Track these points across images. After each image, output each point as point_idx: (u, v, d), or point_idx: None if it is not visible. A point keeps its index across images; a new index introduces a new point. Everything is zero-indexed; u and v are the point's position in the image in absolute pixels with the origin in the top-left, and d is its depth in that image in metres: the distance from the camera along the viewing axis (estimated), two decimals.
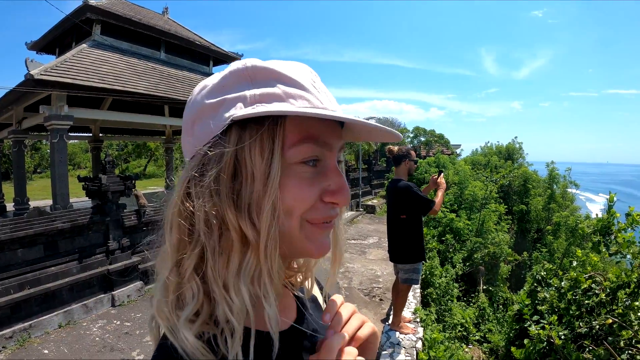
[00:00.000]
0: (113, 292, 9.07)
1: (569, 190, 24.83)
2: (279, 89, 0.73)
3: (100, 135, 20.55)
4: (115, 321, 8.31)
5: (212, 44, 18.70)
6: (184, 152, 0.81)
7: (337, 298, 0.89)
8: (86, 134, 20.91)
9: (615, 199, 6.62)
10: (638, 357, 4.95)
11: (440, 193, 5.85)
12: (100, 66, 11.97)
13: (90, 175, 13.73)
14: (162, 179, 36.31)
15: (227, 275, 0.72)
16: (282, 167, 0.73)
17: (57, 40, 15.77)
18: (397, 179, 5.78)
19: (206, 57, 18.53)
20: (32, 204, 16.07)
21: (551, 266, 7.73)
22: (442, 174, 6.12)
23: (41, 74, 9.45)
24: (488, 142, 30.87)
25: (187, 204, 0.73)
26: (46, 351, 6.99)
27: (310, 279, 1.02)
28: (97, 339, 7.53)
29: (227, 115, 0.72)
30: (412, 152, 5.92)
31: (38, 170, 47.27)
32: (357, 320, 0.86)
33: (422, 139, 44.72)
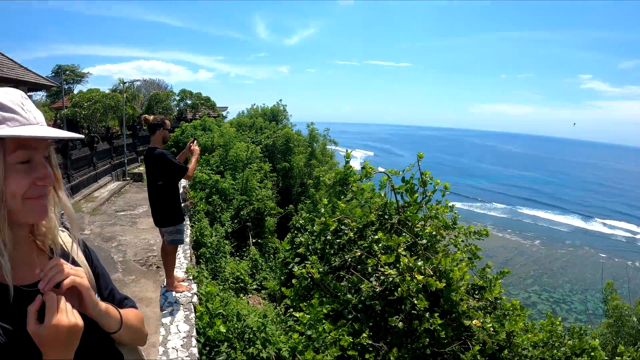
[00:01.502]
0: None
1: (329, 147, 27.07)
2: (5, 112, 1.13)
3: None
4: None
5: None
6: None
7: (54, 261, 1.25)
8: None
9: (351, 155, 7.70)
10: (382, 277, 5.97)
11: (194, 159, 6.20)
12: None
13: None
14: None
15: None
16: (5, 168, 1.12)
17: None
18: (153, 147, 5.92)
19: None
20: None
21: (307, 215, 8.62)
22: (196, 140, 6.48)
23: None
24: (254, 104, 31.73)
25: None
26: None
27: (56, 240, 1.38)
28: None
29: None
30: (167, 121, 6.12)
31: None
32: (61, 275, 1.21)
33: (189, 101, 44.01)
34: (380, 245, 6.55)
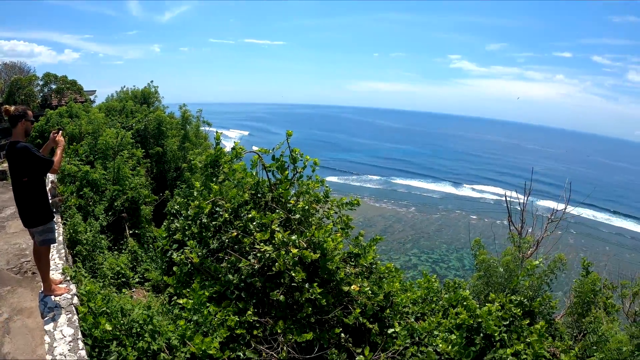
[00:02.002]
0: None
1: (202, 129, 26.57)
2: None
3: None
4: None
5: None
6: None
7: None
8: None
9: (225, 135, 7.71)
10: (259, 254, 6.11)
11: (59, 151, 5.86)
12: None
13: None
14: None
15: None
16: None
17: None
18: (15, 141, 5.51)
19: None
20: None
21: (182, 200, 8.51)
22: (62, 131, 6.12)
23: None
24: (124, 86, 30.21)
25: None
26: None
27: None
28: None
29: None
30: (29, 112, 5.70)
31: None
32: None
33: (54, 86, 41.00)
34: (255, 223, 6.66)
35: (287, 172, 7.21)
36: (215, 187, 7.30)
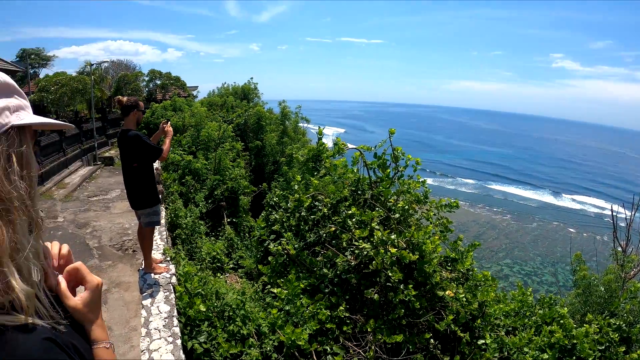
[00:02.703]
0: None
1: (300, 125, 26.98)
2: (19, 100, 1.04)
3: None
4: None
5: None
6: None
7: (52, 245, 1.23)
8: None
9: (323, 132, 7.73)
10: (357, 251, 6.07)
11: (167, 140, 6.15)
12: None
13: None
14: None
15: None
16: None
17: None
18: (127, 129, 5.86)
19: None
20: None
21: (281, 192, 8.66)
22: (169, 121, 6.45)
23: None
24: (225, 83, 31.36)
25: None
26: None
27: None
28: None
29: (2, 121, 0.97)
30: (141, 103, 6.07)
31: None
32: (56, 247, 1.21)
33: (158, 82, 43.20)
34: (354, 220, 6.64)
35: (388, 170, 7.14)
36: (316, 181, 7.37)
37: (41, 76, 44.31)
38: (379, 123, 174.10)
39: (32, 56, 52.94)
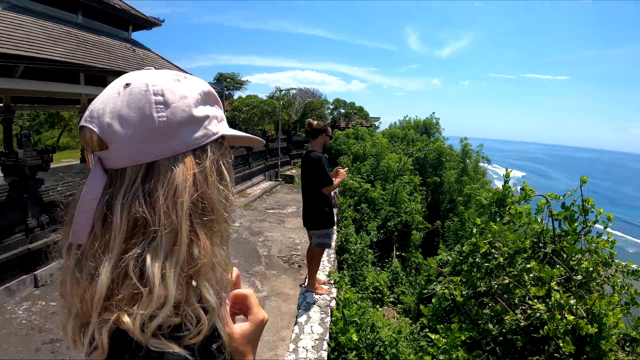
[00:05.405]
0: (35, 272, 8.53)
1: (481, 164, 26.18)
2: (220, 111, 1.00)
3: (12, 105, 19.36)
4: (40, 302, 7.88)
5: (131, 7, 17.67)
6: (144, 144, 0.82)
7: None
8: None
9: (510, 175, 7.33)
10: (529, 311, 5.61)
11: (337, 181, 6.28)
12: (13, 31, 10.99)
13: (2, 149, 12.99)
14: (77, 151, 34.37)
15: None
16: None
17: None
18: (312, 150, 6.15)
19: (125, 22, 17.51)
20: None
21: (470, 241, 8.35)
22: (347, 168, 6.68)
23: None
24: (407, 116, 31.70)
25: (171, 195, 0.81)
26: None
27: None
28: (24, 321, 7.14)
29: (213, 129, 0.92)
30: (329, 129, 6.38)
31: None
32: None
33: (342, 110, 45.14)
34: (531, 275, 6.17)
35: (576, 224, 6.54)
36: (495, 226, 7.01)
37: (235, 97, 49.34)
38: (562, 169, 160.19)
39: (228, 79, 59.49)
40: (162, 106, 0.83)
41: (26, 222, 8.76)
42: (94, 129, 0.80)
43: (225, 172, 0.95)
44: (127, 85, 0.84)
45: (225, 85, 49.91)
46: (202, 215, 0.85)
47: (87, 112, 0.84)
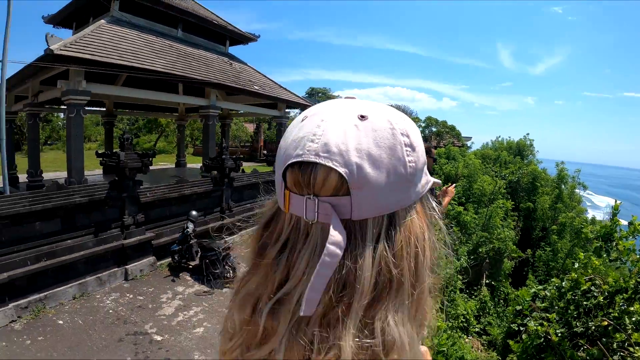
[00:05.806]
0: (127, 266, 9.29)
1: (577, 191, 24.76)
2: None
3: (114, 110, 20.85)
4: (128, 294, 8.51)
5: (228, 23, 18.68)
6: (393, 192, 0.70)
7: None
8: (100, 109, 21.25)
9: (619, 207, 6.79)
10: (629, 358, 5.14)
11: (447, 199, 6.09)
12: (118, 43, 11.98)
13: (103, 150, 13.93)
14: (171, 155, 36.26)
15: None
16: None
17: (74, 15, 15.86)
18: None
19: (222, 37, 18.54)
20: (45, 176, 16.07)
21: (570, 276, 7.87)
22: (455, 185, 6.45)
23: (61, 50, 9.46)
24: (499, 136, 30.75)
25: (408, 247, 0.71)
26: (60, 322, 7.20)
27: None
28: (110, 311, 7.73)
29: (428, 175, 0.80)
30: (433, 150, 6.25)
31: (49, 142, 46.73)
32: None
33: (434, 129, 44.62)
34: (633, 319, 5.67)
35: None
36: (597, 262, 6.54)
37: None
38: None
39: (320, 94, 60.04)
40: (409, 149, 0.71)
41: (122, 219, 9.54)
42: (338, 169, 0.65)
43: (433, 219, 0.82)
44: (363, 117, 0.71)
45: (317, 99, 50.83)
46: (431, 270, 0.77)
47: (311, 145, 0.68)
